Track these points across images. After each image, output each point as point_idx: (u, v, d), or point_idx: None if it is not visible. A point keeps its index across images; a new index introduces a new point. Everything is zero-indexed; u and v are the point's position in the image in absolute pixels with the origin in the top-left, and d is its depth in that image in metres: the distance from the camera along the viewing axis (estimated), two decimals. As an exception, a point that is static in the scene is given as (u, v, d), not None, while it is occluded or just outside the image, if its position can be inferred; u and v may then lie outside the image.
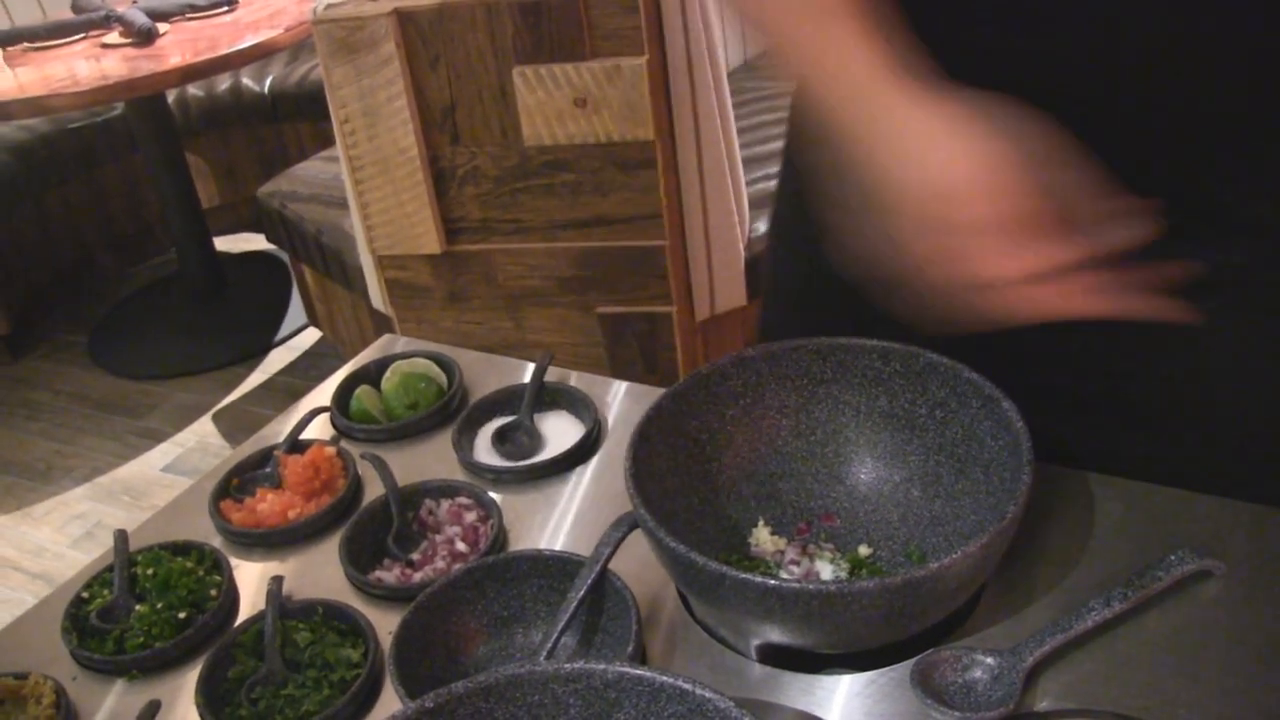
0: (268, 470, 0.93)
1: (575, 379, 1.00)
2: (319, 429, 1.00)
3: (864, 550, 0.77)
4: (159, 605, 0.78)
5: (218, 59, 2.36)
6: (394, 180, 1.72)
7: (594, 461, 0.91)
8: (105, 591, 0.82)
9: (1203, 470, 0.76)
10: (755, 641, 0.69)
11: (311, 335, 2.94)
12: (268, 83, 3.22)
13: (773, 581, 0.61)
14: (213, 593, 0.80)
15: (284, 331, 2.97)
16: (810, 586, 0.61)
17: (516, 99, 1.61)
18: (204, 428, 2.67)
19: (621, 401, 0.98)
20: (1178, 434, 0.76)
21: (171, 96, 3.07)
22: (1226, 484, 0.75)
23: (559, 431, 0.95)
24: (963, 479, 0.74)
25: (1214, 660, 0.65)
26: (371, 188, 1.74)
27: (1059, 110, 0.65)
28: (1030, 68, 0.66)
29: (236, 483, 0.93)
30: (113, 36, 2.60)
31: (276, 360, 2.89)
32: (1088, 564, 0.73)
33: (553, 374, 0.99)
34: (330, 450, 0.92)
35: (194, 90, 3.20)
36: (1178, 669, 0.65)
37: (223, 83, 3.22)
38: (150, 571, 0.81)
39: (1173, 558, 0.69)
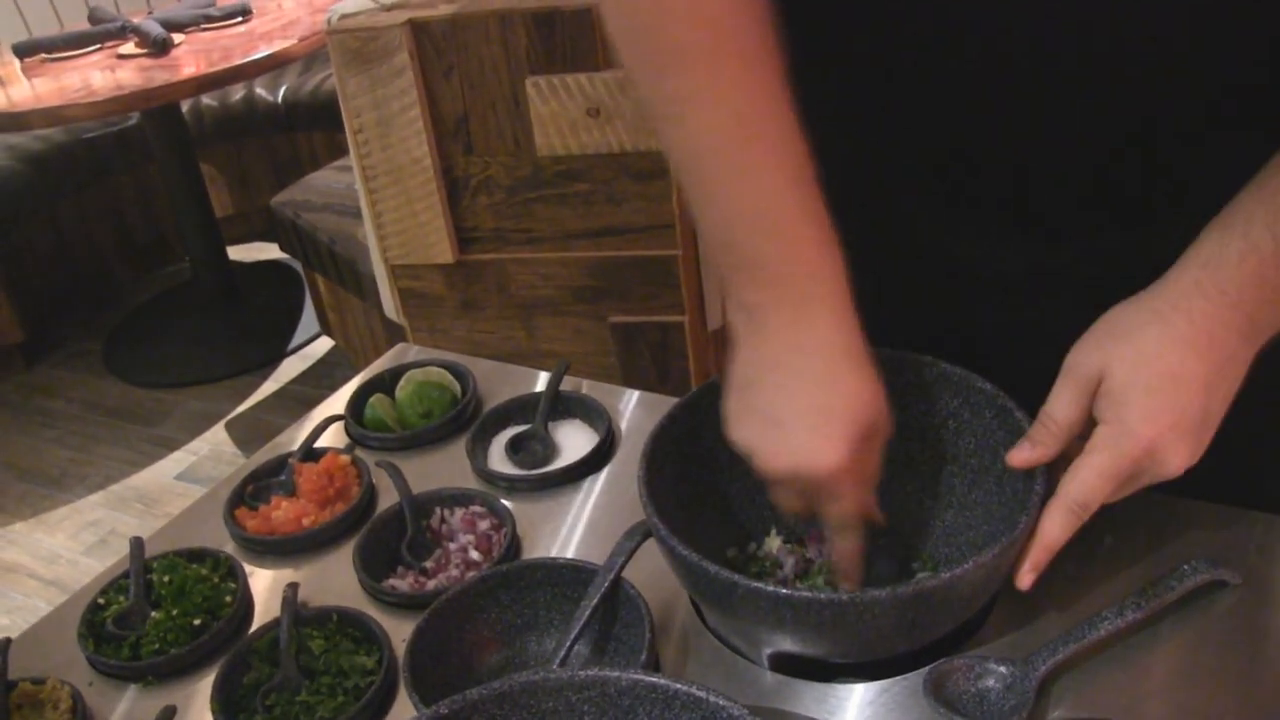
0: (282, 478, 0.94)
1: (588, 388, 1.01)
2: (333, 437, 1.00)
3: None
4: (174, 612, 0.79)
5: (232, 69, 2.38)
6: (407, 190, 1.73)
7: (607, 470, 0.91)
8: (121, 598, 0.82)
9: (1216, 480, 0.75)
10: (767, 650, 0.69)
11: (324, 344, 2.96)
12: (281, 93, 3.24)
13: (784, 591, 0.61)
14: (228, 599, 0.81)
15: (297, 340, 2.98)
16: (822, 596, 0.61)
17: (529, 109, 1.62)
18: (217, 436, 2.68)
19: (634, 411, 0.98)
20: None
21: (186, 106, 3.10)
22: (1240, 493, 0.75)
23: (572, 440, 0.96)
24: (975, 489, 0.75)
25: (1228, 670, 0.65)
26: (385, 197, 1.75)
27: (994, 112, 0.66)
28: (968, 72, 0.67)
29: (251, 490, 0.93)
30: (128, 47, 2.62)
31: (289, 369, 2.90)
32: (1101, 573, 0.73)
33: (565, 383, 1.00)
34: (344, 458, 0.93)
35: (208, 100, 3.22)
36: (1191, 679, 0.65)
37: (237, 93, 3.24)
38: (166, 578, 0.82)
39: (1186, 567, 0.69)
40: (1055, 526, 0.64)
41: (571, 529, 0.86)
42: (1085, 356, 0.64)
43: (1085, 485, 0.63)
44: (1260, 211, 0.61)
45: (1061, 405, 0.65)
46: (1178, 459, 0.62)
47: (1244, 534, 0.74)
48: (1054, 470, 0.66)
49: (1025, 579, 0.65)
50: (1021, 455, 0.66)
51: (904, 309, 0.81)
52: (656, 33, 0.63)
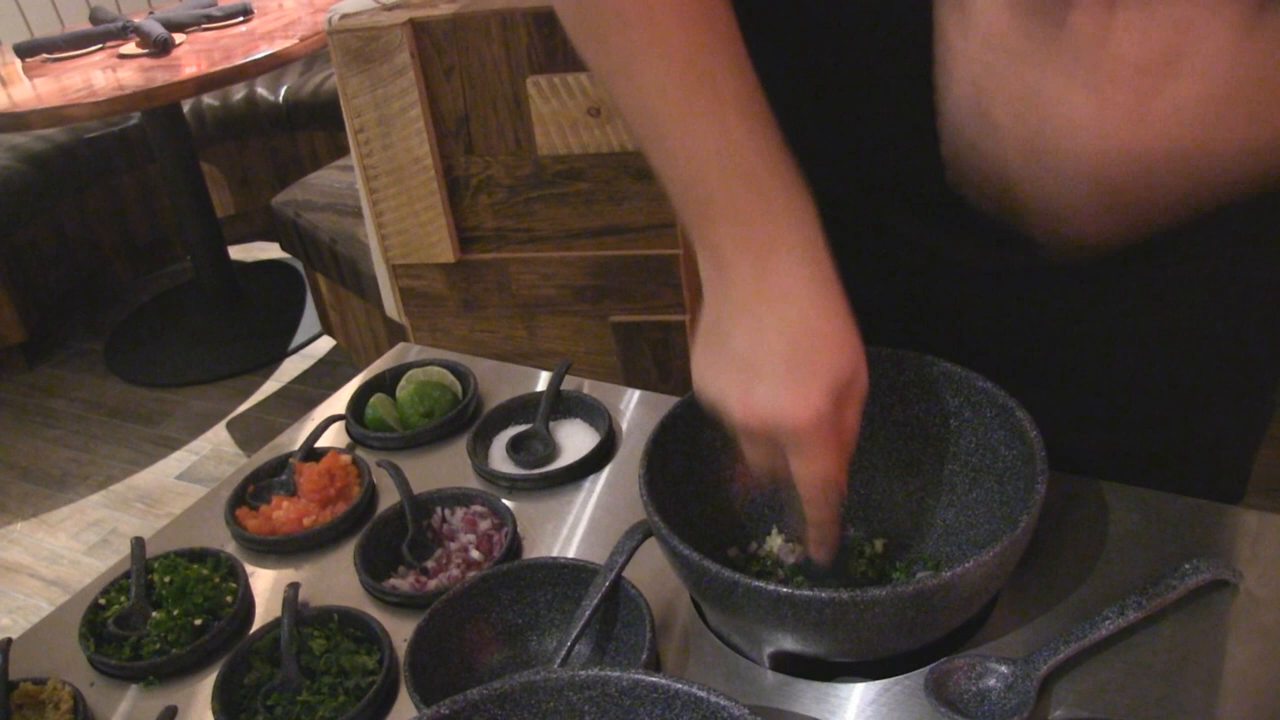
0: (283, 478, 0.94)
1: (589, 387, 1.01)
2: (334, 437, 1.00)
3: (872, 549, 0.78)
4: (175, 612, 0.79)
5: (233, 69, 2.38)
6: (408, 189, 1.73)
7: (608, 469, 0.91)
8: (122, 598, 0.82)
9: (1218, 478, 0.76)
10: (769, 649, 0.69)
11: (325, 344, 2.96)
12: (282, 92, 3.24)
13: (785, 590, 0.61)
14: (228, 599, 0.81)
15: (298, 340, 2.98)
16: (823, 595, 0.61)
17: (530, 108, 1.61)
18: (219, 435, 2.68)
19: (635, 409, 0.98)
20: (1192, 442, 0.76)
21: (187, 106, 3.10)
22: (1240, 492, 0.75)
23: (573, 439, 0.96)
24: (976, 488, 0.75)
25: (1229, 669, 0.65)
26: (386, 197, 1.75)
27: None
28: None
29: (252, 490, 0.93)
30: (129, 47, 2.62)
31: (291, 368, 2.90)
32: (1102, 572, 0.73)
33: (566, 382, 1.00)
34: (345, 458, 0.93)
35: (209, 100, 3.22)
36: (1193, 678, 0.65)
37: (238, 92, 3.24)
38: (167, 579, 0.82)
39: (1187, 566, 0.69)
40: None
41: (573, 528, 0.86)
42: None
43: None
44: None
45: None
46: None
47: (1245, 532, 0.74)
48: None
49: None
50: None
51: (898, 308, 0.81)
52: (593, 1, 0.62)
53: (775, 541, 0.78)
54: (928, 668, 0.66)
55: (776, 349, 0.60)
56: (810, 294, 0.61)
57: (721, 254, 0.62)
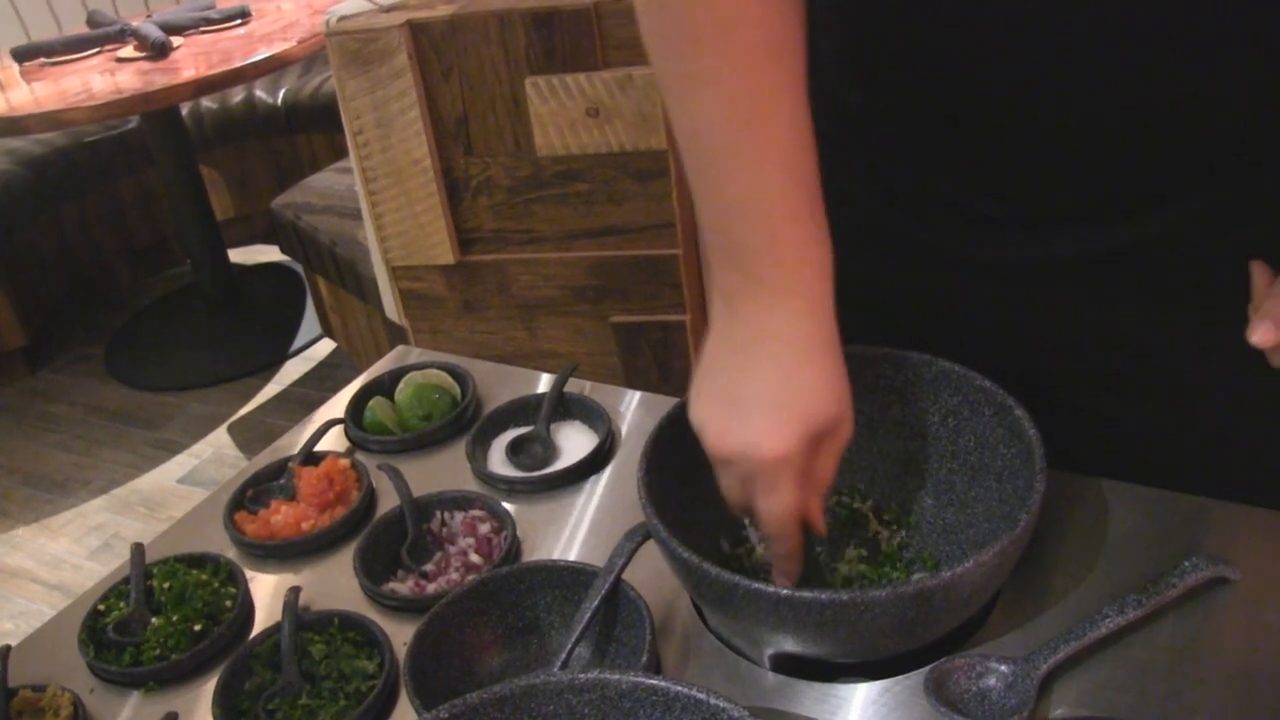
0: (282, 482, 0.94)
1: (590, 389, 1.01)
2: (333, 441, 1.00)
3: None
4: (175, 618, 0.79)
5: (231, 72, 2.38)
6: (407, 191, 1.73)
7: (608, 472, 0.92)
8: (122, 604, 0.83)
9: (1217, 476, 0.76)
10: (769, 650, 0.69)
11: (326, 346, 2.96)
12: (281, 95, 3.25)
13: (785, 591, 0.61)
14: (228, 604, 0.81)
15: (298, 343, 2.99)
16: (823, 596, 0.61)
17: (529, 109, 1.62)
18: (220, 439, 2.68)
19: (635, 411, 0.99)
20: (1192, 440, 0.76)
21: (185, 109, 3.10)
22: (1241, 490, 0.75)
23: (573, 442, 0.96)
24: (975, 487, 0.75)
25: (1229, 667, 0.65)
26: (385, 199, 1.75)
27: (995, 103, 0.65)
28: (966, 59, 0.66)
29: (251, 494, 0.93)
30: (127, 50, 2.63)
31: (291, 371, 2.90)
32: (1102, 571, 0.73)
33: (568, 385, 1.00)
34: (344, 462, 0.93)
35: (208, 103, 3.23)
36: (1192, 676, 0.65)
37: (236, 95, 3.25)
38: (166, 584, 0.82)
39: (1186, 564, 0.69)
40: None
41: (572, 531, 0.86)
42: None
43: None
44: None
45: None
46: None
47: (1244, 530, 0.74)
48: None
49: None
50: (1265, 333, 0.59)
51: (902, 307, 0.81)
52: (678, 12, 0.63)
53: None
54: (928, 667, 0.66)
55: (762, 389, 0.63)
56: (807, 347, 0.64)
57: (730, 295, 0.65)
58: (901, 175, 0.78)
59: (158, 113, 2.69)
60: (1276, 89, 0.63)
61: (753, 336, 0.64)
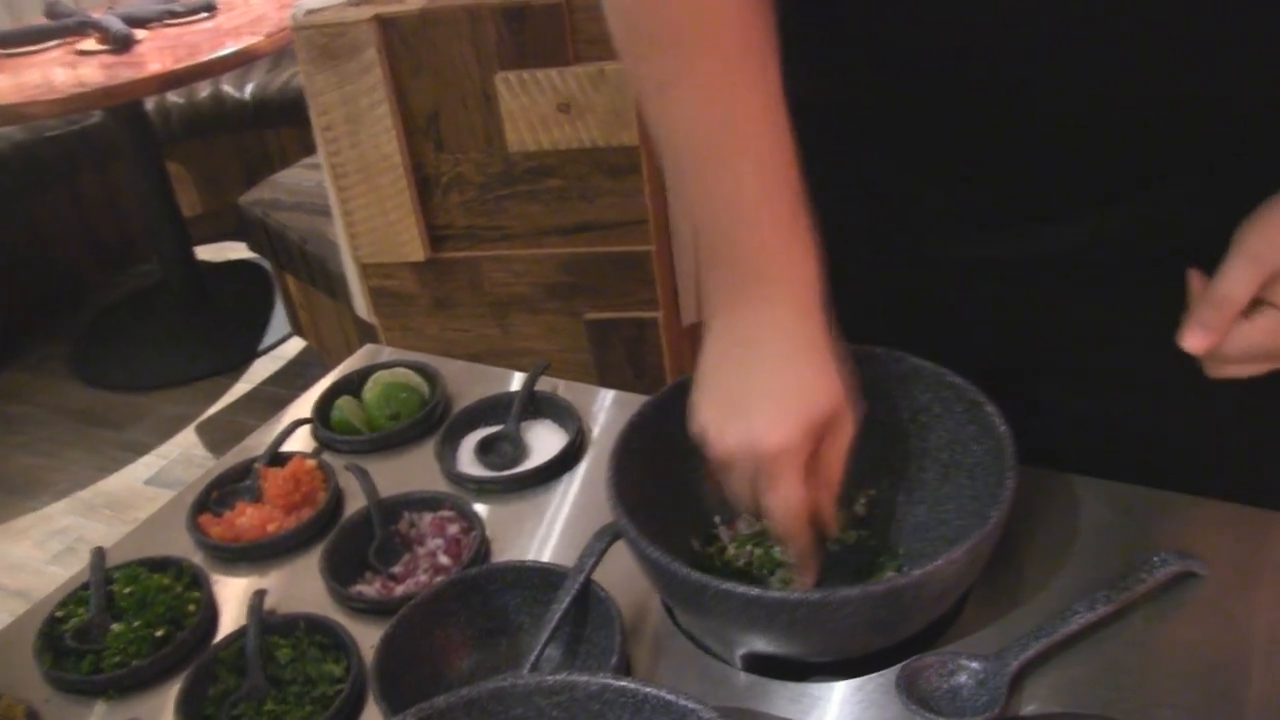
0: (248, 483, 0.93)
1: (563, 388, 1.01)
2: (300, 441, 1.00)
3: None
4: (136, 623, 0.78)
5: (198, 66, 2.36)
6: (377, 188, 1.72)
7: (579, 471, 0.91)
8: (81, 610, 0.82)
9: (1186, 471, 0.76)
10: (740, 651, 0.69)
11: (296, 344, 2.94)
12: (249, 89, 3.22)
13: (755, 591, 0.61)
14: (191, 609, 0.80)
15: (268, 341, 2.97)
16: (793, 596, 0.61)
17: (500, 105, 1.61)
18: (188, 439, 2.66)
19: (609, 410, 0.98)
20: (1161, 435, 0.77)
21: (151, 104, 3.07)
22: (1209, 484, 0.75)
23: (544, 441, 0.96)
24: (947, 484, 0.75)
25: (1198, 660, 0.66)
26: (354, 195, 1.74)
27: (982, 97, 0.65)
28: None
29: (216, 496, 0.93)
30: (88, 43, 2.59)
31: (261, 370, 2.88)
32: (1073, 567, 0.73)
33: (540, 383, 1.00)
34: (311, 463, 0.93)
35: (174, 98, 3.20)
36: (1163, 670, 0.66)
37: (203, 90, 3.22)
38: (128, 589, 0.81)
39: (1156, 559, 0.69)
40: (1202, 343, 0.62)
41: (543, 531, 0.85)
42: (1274, 240, 0.61)
43: (1233, 354, 0.62)
44: None
45: (1240, 287, 0.61)
46: None
47: (1212, 525, 0.75)
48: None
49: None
50: (1196, 339, 0.62)
51: (869, 304, 0.82)
52: (648, 14, 0.63)
53: (743, 523, 0.79)
54: (899, 666, 0.66)
55: (758, 386, 0.64)
56: (799, 343, 0.64)
57: (720, 296, 0.66)
58: (862, 170, 0.79)
59: (122, 107, 2.66)
60: (1249, 82, 0.63)
61: (746, 337, 0.65)
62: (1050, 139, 0.68)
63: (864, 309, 0.69)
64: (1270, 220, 0.62)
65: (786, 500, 0.65)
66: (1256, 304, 0.61)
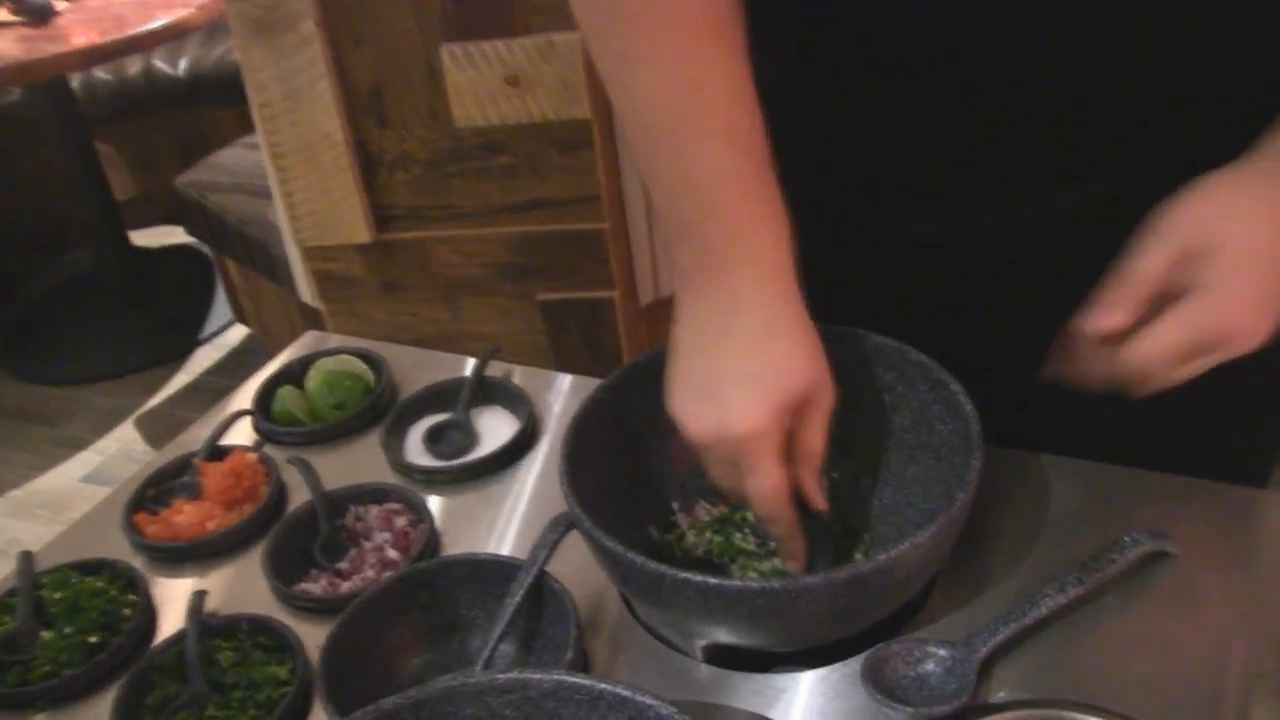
0: (185, 480, 0.91)
1: (518, 374, 1.00)
2: (241, 434, 0.98)
3: None
4: (68, 630, 0.76)
5: (126, 40, 2.30)
6: (319, 167, 1.69)
7: (533, 458, 0.91)
8: (7, 618, 0.79)
9: (1154, 448, 0.77)
10: (700, 642, 0.69)
11: (239, 332, 2.90)
12: (183, 65, 3.15)
13: (713, 581, 0.61)
14: (126, 613, 0.79)
15: (209, 329, 2.93)
16: (753, 585, 0.61)
17: (445, 79, 1.59)
18: (127, 434, 2.62)
19: (566, 394, 0.98)
20: (1129, 411, 0.77)
21: (76, 81, 3.00)
22: (1177, 460, 0.76)
23: (495, 428, 0.95)
24: (912, 465, 0.75)
25: (1171, 642, 0.67)
26: (295, 175, 1.71)
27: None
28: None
29: (152, 494, 0.91)
30: (1, 14, 2.52)
31: (202, 360, 2.85)
32: (1042, 549, 0.73)
33: (493, 368, 0.99)
34: (252, 456, 0.91)
35: (102, 74, 3.12)
36: (1135, 653, 0.66)
37: (133, 65, 3.15)
38: (58, 594, 0.79)
39: (1126, 539, 0.69)
40: (1099, 373, 0.63)
41: (495, 522, 0.85)
42: (1189, 221, 0.62)
43: (1154, 357, 0.62)
44: None
45: (1154, 267, 0.62)
46: (1253, 341, 0.61)
47: (1183, 502, 0.75)
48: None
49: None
50: (1104, 319, 0.62)
51: (830, 284, 0.82)
52: None
53: (702, 509, 0.79)
54: (865, 654, 0.66)
55: (730, 367, 0.64)
56: (771, 318, 0.64)
57: (688, 275, 0.66)
58: (819, 149, 0.79)
59: (45, 84, 2.60)
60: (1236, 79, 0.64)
61: (715, 316, 0.65)
62: (984, 117, 0.69)
63: (826, 297, 0.69)
64: (1185, 199, 0.63)
65: (765, 485, 0.65)
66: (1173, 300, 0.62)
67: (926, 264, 0.78)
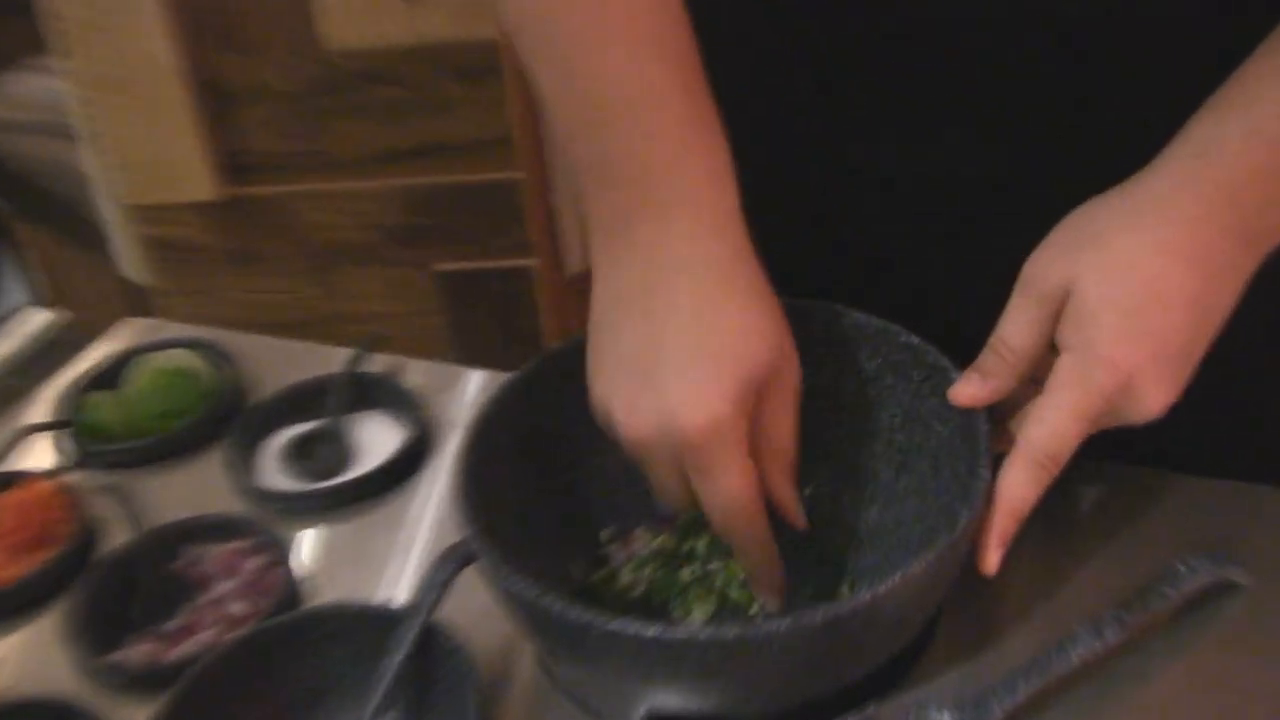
0: (-37, 515, 0.91)
1: (410, 368, 1.01)
2: (38, 455, 0.98)
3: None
4: None
5: None
6: (142, 102, 1.70)
7: (428, 477, 0.92)
8: None
9: (1210, 448, 0.78)
10: (640, 710, 0.69)
11: (40, 318, 2.87)
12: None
13: (653, 630, 0.61)
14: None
15: (-1, 314, 2.90)
16: (703, 635, 0.62)
17: (312, -14, 1.60)
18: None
19: (472, 395, 0.99)
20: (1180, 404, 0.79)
21: None
22: (1240, 465, 0.77)
23: (376, 439, 0.96)
24: (905, 475, 0.76)
25: (1240, 701, 0.67)
26: (109, 111, 1.71)
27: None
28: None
29: (-80, 535, 0.90)
30: None
31: (-12, 356, 2.82)
32: (1072, 580, 0.75)
33: (380, 362, 1.00)
34: (49, 485, 0.91)
35: None
36: (1196, 714, 0.67)
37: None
38: None
39: (1181, 568, 0.70)
40: (1019, 486, 0.64)
41: (377, 562, 0.85)
42: (1047, 267, 0.65)
43: (1052, 431, 0.64)
44: (1269, 89, 0.63)
45: (1018, 327, 0.66)
46: (1158, 395, 0.63)
47: (1251, 517, 0.77)
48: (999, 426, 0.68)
49: (990, 559, 0.65)
50: (968, 390, 0.67)
51: (820, 250, 0.83)
52: None
53: (639, 540, 0.80)
54: (850, 718, 0.67)
55: (668, 346, 0.64)
56: (718, 272, 0.65)
57: (609, 228, 0.67)
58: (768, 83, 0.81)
59: None
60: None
61: (646, 276, 0.65)
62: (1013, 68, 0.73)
63: (788, 270, 0.70)
64: (1047, 242, 0.66)
65: (729, 487, 0.65)
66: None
67: (900, 214, 0.81)
